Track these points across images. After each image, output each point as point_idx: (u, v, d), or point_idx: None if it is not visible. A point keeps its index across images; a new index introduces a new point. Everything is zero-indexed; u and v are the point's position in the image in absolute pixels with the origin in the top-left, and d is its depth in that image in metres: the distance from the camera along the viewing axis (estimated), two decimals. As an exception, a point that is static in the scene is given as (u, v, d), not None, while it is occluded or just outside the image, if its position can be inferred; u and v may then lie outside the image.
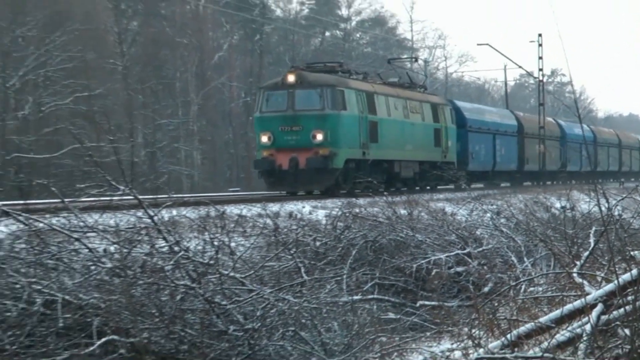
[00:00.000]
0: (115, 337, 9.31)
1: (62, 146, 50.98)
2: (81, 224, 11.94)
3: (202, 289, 10.68)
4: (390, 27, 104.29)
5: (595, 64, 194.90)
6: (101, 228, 12.08)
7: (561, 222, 18.11)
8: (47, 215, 12.23)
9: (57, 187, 13.25)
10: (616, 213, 15.44)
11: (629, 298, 9.34)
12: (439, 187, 47.47)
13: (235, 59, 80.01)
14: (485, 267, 15.62)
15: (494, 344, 9.76)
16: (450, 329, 12.33)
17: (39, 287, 9.75)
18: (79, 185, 12.86)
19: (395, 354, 11.21)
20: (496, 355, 9.04)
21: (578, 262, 12.55)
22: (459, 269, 15.66)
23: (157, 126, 64.69)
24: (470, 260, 15.83)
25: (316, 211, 23.36)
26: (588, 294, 10.17)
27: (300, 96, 36.25)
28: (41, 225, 11.68)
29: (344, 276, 13.65)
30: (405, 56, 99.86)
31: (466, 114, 51.53)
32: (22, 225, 11.93)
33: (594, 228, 14.04)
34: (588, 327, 9.20)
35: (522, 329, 9.98)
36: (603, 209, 12.32)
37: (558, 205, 24.91)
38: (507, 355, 8.92)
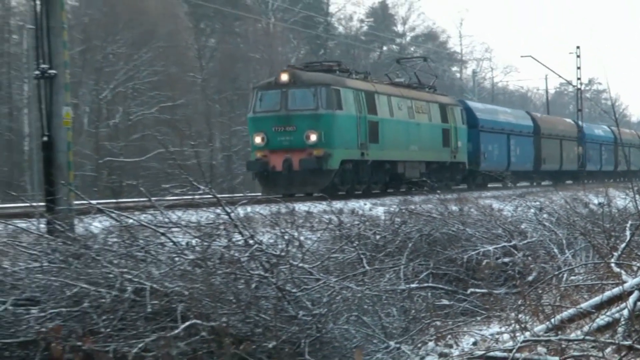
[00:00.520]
0: (197, 321, 9.32)
1: (149, 151, 51.44)
2: (166, 220, 11.99)
3: (274, 278, 10.67)
4: (441, 41, 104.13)
5: (630, 72, 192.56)
6: (184, 224, 12.12)
7: (599, 217, 17.97)
8: (136, 212, 12.28)
9: (145, 187, 13.38)
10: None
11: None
12: (454, 186, 42.83)
13: (302, 71, 79.94)
14: (529, 258, 15.47)
15: (539, 328, 9.69)
16: (498, 314, 12.24)
17: (130, 277, 9.79)
18: (164, 186, 12.93)
19: (449, 336, 11.15)
20: (541, 338, 8.96)
21: (615, 253, 12.39)
22: (506, 259, 15.52)
23: (233, 132, 65.04)
24: (515, 251, 15.69)
25: (376, 208, 23.35)
26: (625, 282, 10.07)
27: (294, 96, 33.13)
28: (131, 221, 11.74)
29: (402, 266, 13.58)
30: (455, 67, 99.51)
31: (478, 114, 48.21)
32: (114, 222, 12.02)
33: (629, 222, 13.88)
34: (625, 312, 9.12)
35: (565, 314, 9.90)
36: (638, 204, 12.23)
37: (596, 201, 24.62)
38: (552, 338, 8.83)
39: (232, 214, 11.94)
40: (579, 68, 67.36)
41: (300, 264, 11.57)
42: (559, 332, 9.42)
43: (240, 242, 11.51)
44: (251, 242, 11.49)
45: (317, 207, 21.10)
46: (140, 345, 8.96)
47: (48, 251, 11.00)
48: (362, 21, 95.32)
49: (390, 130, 36.68)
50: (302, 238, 13.57)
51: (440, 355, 10.20)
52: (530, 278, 14.15)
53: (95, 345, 8.96)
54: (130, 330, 9.25)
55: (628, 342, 8.38)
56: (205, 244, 11.21)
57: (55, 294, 9.67)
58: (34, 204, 14.83)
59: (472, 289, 13.91)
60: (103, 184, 52.82)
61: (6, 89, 57.94)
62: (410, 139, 38.58)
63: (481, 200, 24.63)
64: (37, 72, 15.66)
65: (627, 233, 12.95)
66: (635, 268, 11.61)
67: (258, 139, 32.79)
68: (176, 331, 9.18)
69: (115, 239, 11.51)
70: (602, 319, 9.44)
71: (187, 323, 9.30)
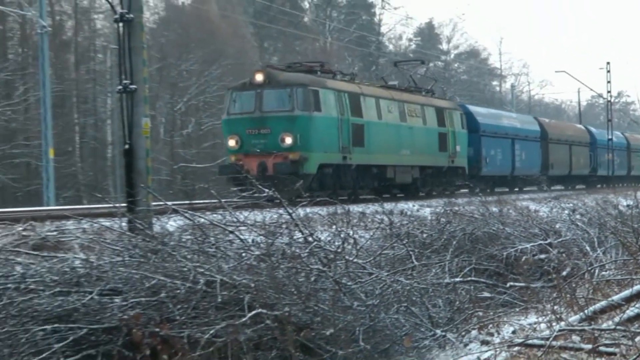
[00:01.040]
0: (262, 310, 9.33)
1: (218, 157, 51.55)
2: (234, 219, 12.04)
3: (332, 272, 10.68)
4: (482, 58, 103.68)
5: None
6: (250, 222, 12.17)
7: (628, 218, 17.85)
8: (207, 213, 12.36)
9: (215, 190, 13.39)
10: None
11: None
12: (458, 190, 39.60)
13: (356, 86, 79.88)
14: (563, 255, 15.37)
15: (573, 318, 9.62)
16: (535, 305, 12.17)
17: (202, 270, 9.83)
18: (232, 189, 12.93)
19: (490, 325, 11.10)
20: (576, 328, 8.89)
21: (643, 251, 12.32)
22: (542, 256, 15.42)
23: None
24: (551, 249, 15.58)
25: (423, 209, 23.25)
26: (652, 276, 9.99)
27: (269, 96, 28.46)
28: (202, 220, 11.80)
29: (447, 262, 13.53)
30: (495, 81, 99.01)
31: (479, 119, 43.37)
32: (187, 221, 12.08)
33: (657, 222, 13.81)
34: (653, 304, 9.04)
35: (597, 305, 9.84)
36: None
37: (625, 203, 24.41)
38: (585, 328, 8.77)
39: (294, 214, 11.97)
40: (609, 82, 66.72)
41: (355, 260, 11.59)
42: (592, 323, 9.36)
43: (300, 240, 11.54)
44: (310, 239, 11.51)
45: (370, 208, 21.09)
46: (211, 332, 8.99)
47: (129, 247, 11.06)
48: (410, 40, 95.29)
49: (378, 133, 32.15)
50: (356, 236, 13.59)
51: (483, 342, 10.15)
52: (564, 273, 14.06)
53: (171, 331, 9.01)
54: (202, 318, 9.28)
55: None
56: (269, 241, 11.24)
57: (136, 285, 9.73)
58: (117, 204, 14.95)
59: (511, 283, 13.84)
60: (177, 187, 53.17)
61: (92, 102, 58.48)
62: (401, 143, 33.94)
63: (519, 202, 24.48)
64: (119, 87, 15.77)
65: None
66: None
67: (232, 142, 28.39)
68: (243, 319, 9.20)
69: (188, 236, 11.57)
70: (632, 310, 9.38)
71: (253, 312, 9.31)
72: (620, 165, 62.92)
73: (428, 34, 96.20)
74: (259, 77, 28.50)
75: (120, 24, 15.55)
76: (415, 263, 12.85)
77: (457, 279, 13.00)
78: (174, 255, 10.46)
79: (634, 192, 25.24)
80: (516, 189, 45.83)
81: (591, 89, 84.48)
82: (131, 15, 15.40)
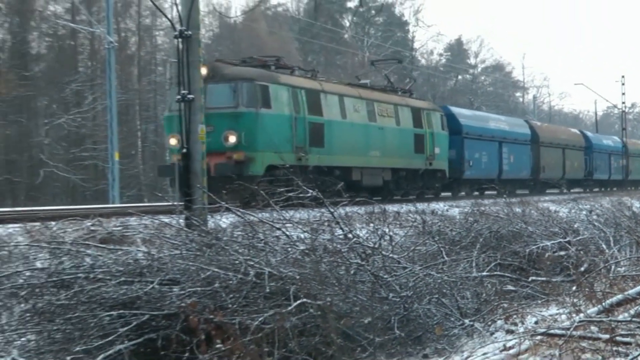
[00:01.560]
0: (306, 300, 9.32)
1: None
2: (281, 217, 12.05)
3: (369, 266, 10.66)
4: (507, 71, 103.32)
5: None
6: (295, 220, 12.17)
7: (641, 218, 17.74)
8: (257, 211, 12.37)
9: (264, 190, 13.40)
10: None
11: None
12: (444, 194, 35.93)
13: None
14: (581, 252, 15.21)
15: (591, 310, 9.54)
16: (556, 298, 12.07)
17: (252, 263, 9.83)
18: (279, 190, 12.95)
19: (515, 316, 11.03)
20: (594, 319, 8.80)
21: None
22: (561, 253, 15.27)
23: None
24: (569, 246, 15.43)
25: (452, 209, 23.14)
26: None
27: (212, 92, 23.44)
28: (252, 218, 11.82)
29: (474, 258, 13.44)
30: (518, 93, 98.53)
31: (462, 120, 38.81)
32: (239, 218, 12.11)
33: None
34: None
35: (614, 299, 9.77)
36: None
37: (638, 205, 24.18)
38: (603, 319, 8.67)
39: (335, 213, 11.96)
40: (623, 94, 66.46)
41: (391, 255, 11.57)
42: (609, 315, 9.28)
43: (340, 236, 11.53)
44: (350, 236, 11.50)
45: (404, 207, 21.03)
46: (260, 319, 8.97)
47: (186, 241, 11.10)
48: (440, 55, 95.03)
49: (341, 133, 27.43)
50: (391, 233, 13.58)
51: (507, 331, 10.07)
52: (582, 269, 13.92)
53: (224, 318, 9.00)
54: (252, 306, 9.28)
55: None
56: (313, 237, 11.24)
57: (192, 276, 9.75)
58: (175, 203, 15.04)
59: (533, 277, 13.71)
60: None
61: (152, 111, 58.83)
62: (369, 144, 29.08)
63: (540, 204, 24.28)
64: (178, 97, 15.86)
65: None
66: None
67: (173, 141, 23.33)
68: (289, 308, 9.19)
69: (239, 232, 11.60)
70: (645, 303, 9.30)
71: (298, 302, 9.30)
72: (617, 169, 58.91)
73: (457, 49, 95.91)
74: (203, 71, 23.58)
75: (180, 40, 15.64)
76: (446, 258, 12.79)
77: (484, 273, 12.93)
78: (227, 249, 10.48)
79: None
80: (505, 193, 40.52)
81: (607, 100, 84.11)
82: (189, 32, 15.49)
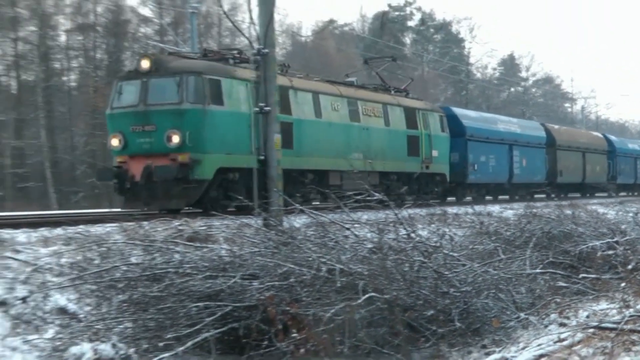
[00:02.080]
0: (374, 294, 9.31)
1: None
2: (349, 218, 12.04)
3: (431, 263, 10.60)
4: (556, 83, 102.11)
5: None
6: (363, 221, 12.15)
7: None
8: (328, 213, 12.40)
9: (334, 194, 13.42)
10: None
11: None
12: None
13: (448, 108, 79.53)
14: (629, 251, 14.95)
15: (640, 305, 9.40)
16: (605, 294, 11.87)
17: (324, 260, 9.86)
18: (348, 193, 12.94)
19: (567, 310, 10.87)
20: (643, 312, 8.67)
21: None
22: (610, 252, 15.04)
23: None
24: (617, 246, 15.18)
25: (506, 210, 22.91)
26: None
27: (155, 86, 19.28)
28: (324, 219, 11.84)
29: (527, 256, 13.30)
30: (567, 103, 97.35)
31: (465, 122, 33.75)
32: (311, 219, 12.14)
33: None
34: None
35: (661, 295, 9.57)
36: None
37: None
38: (652, 314, 8.52)
39: (399, 215, 11.92)
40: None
41: (451, 253, 11.49)
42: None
43: (404, 235, 11.48)
44: (413, 235, 11.44)
45: (460, 209, 20.91)
46: (332, 311, 8.98)
47: (264, 240, 11.17)
48: (494, 69, 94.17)
49: (315, 133, 22.80)
50: (451, 234, 13.51)
51: (561, 324, 9.93)
52: (630, 267, 13.68)
53: (299, 310, 9.04)
54: (324, 300, 9.29)
55: None
56: (379, 236, 11.20)
57: (270, 272, 9.80)
58: (254, 205, 15.11)
59: (583, 274, 13.51)
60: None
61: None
62: (351, 146, 24.26)
63: (589, 206, 23.92)
64: (257, 109, 15.94)
65: None
66: None
67: (115, 142, 19.43)
68: (358, 301, 9.19)
69: (312, 232, 11.63)
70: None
71: (367, 295, 9.29)
72: None
73: (510, 64, 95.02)
74: (145, 64, 19.33)
75: (257, 58, 15.74)
76: (502, 256, 12.68)
77: (537, 270, 12.78)
78: (301, 247, 10.51)
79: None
80: (516, 197, 36.94)
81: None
82: (266, 50, 15.57)
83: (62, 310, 9.94)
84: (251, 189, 18.42)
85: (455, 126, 31.88)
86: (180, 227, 12.91)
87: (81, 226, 14.53)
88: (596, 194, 42.51)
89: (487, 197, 34.91)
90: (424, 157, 28.02)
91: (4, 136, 45.04)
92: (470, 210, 18.98)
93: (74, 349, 8.78)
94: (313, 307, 9.10)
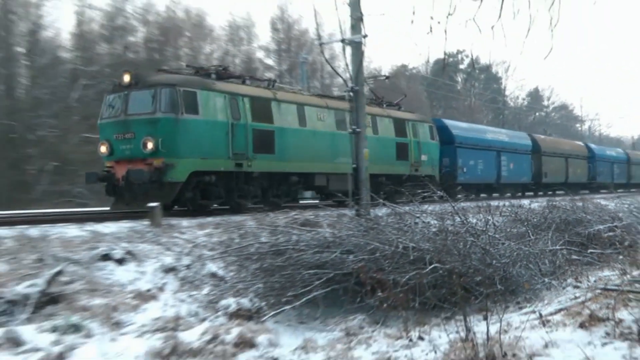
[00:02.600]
0: (437, 265, 9.25)
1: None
2: (419, 209, 11.97)
3: (479, 242, 10.45)
4: (570, 109, 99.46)
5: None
6: (429, 211, 12.06)
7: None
8: (402, 205, 12.34)
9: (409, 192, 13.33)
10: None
11: None
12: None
13: (490, 128, 78.14)
14: (625, 233, 14.52)
15: (635, 273, 9.10)
16: (607, 265, 11.54)
17: (401, 240, 9.83)
18: (418, 191, 12.82)
19: (580, 276, 10.61)
20: (637, 278, 8.40)
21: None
22: (610, 233, 14.61)
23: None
24: (616, 229, 14.75)
25: (533, 203, 22.34)
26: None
27: (134, 98, 16.92)
28: (399, 210, 11.80)
29: (549, 237, 12.98)
30: (577, 124, 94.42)
31: (454, 132, 30.09)
32: (390, 210, 12.10)
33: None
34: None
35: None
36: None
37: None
38: (644, 279, 8.27)
39: (456, 206, 11.79)
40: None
41: (493, 234, 11.32)
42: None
43: (459, 222, 11.36)
44: (465, 221, 11.31)
45: (500, 202, 20.46)
46: (406, 277, 8.96)
47: (357, 225, 11.18)
48: (523, 99, 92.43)
49: (300, 140, 19.50)
50: (494, 220, 13.29)
51: (575, 287, 9.71)
52: (625, 244, 13.28)
53: (382, 276, 9.03)
54: (401, 268, 9.26)
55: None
56: (440, 222, 11.12)
57: (361, 248, 9.80)
58: (349, 199, 15.13)
59: (591, 250, 13.16)
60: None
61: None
62: (338, 151, 20.61)
63: (595, 200, 23.13)
64: (350, 130, 15.97)
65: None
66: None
67: (103, 149, 17.08)
68: (425, 270, 9.13)
69: (391, 219, 11.59)
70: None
71: (432, 266, 9.23)
72: (619, 175, 49.66)
73: (535, 95, 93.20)
74: (127, 78, 17.17)
75: (351, 93, 15.76)
76: (531, 237, 12.42)
77: (557, 247, 12.47)
78: (384, 230, 10.49)
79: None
80: (507, 194, 33.24)
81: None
82: (357, 88, 15.57)
83: (214, 275, 10.13)
84: (230, 189, 16.96)
85: (446, 135, 28.94)
86: (295, 216, 13.01)
87: (225, 216, 14.78)
88: (600, 191, 40.78)
89: (483, 195, 31.48)
90: (413, 161, 24.94)
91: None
92: (507, 203, 18.54)
93: (223, 302, 8.95)
94: (392, 274, 9.09)
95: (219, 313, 8.63)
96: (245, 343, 7.39)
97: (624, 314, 6.73)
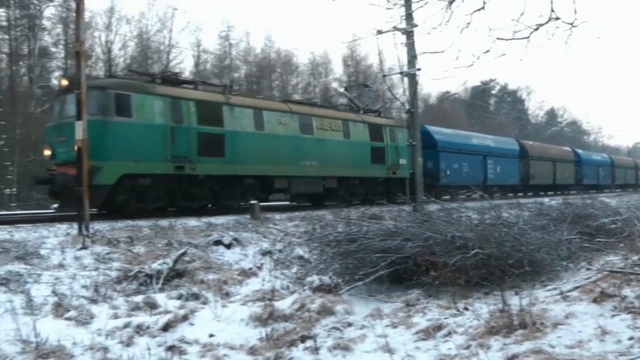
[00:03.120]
0: (478, 250, 9.06)
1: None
2: (463, 206, 11.76)
3: (511, 232, 10.19)
4: (579, 124, 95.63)
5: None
6: (470, 207, 11.84)
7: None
8: (450, 202, 12.14)
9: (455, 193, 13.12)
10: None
11: None
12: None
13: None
14: (625, 225, 13.81)
15: (634, 257, 8.70)
16: (612, 251, 11.04)
17: (449, 230, 9.67)
18: (462, 191, 12.58)
19: (591, 260, 10.19)
20: (637, 262, 8.03)
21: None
22: (613, 225, 13.90)
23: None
24: (617, 222, 14.04)
25: (551, 201, 21.59)
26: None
27: (68, 102, 13.37)
28: (447, 206, 11.62)
29: (565, 228, 12.47)
30: (585, 136, 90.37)
31: (437, 137, 26.03)
32: (440, 206, 11.93)
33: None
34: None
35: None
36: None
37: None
38: (646, 264, 7.89)
39: (492, 203, 11.52)
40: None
41: (522, 226, 11.01)
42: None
43: (495, 216, 11.08)
44: (499, 216, 11.04)
45: (525, 200, 19.88)
46: (453, 260, 8.82)
47: (414, 218, 11.06)
48: (542, 117, 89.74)
49: (255, 144, 15.97)
50: (523, 214, 12.93)
51: (587, 269, 9.33)
52: (625, 234, 12.65)
53: (434, 259, 8.93)
54: (449, 253, 9.11)
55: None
56: (480, 216, 10.89)
57: (417, 237, 9.66)
58: (406, 198, 14.97)
59: (598, 239, 12.57)
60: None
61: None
62: (302, 154, 17.35)
63: (600, 198, 22.11)
64: (407, 144, 15.80)
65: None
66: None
67: (47, 152, 13.89)
68: (469, 255, 8.96)
69: (441, 214, 11.41)
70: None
71: (474, 251, 9.03)
72: (604, 177, 45.43)
73: (551, 113, 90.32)
74: (64, 83, 13.69)
75: (408, 114, 15.63)
76: (552, 228, 11.99)
77: (572, 236, 12.00)
78: (435, 222, 10.35)
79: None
80: (496, 195, 28.17)
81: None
82: (412, 110, 15.43)
83: (301, 257, 10.25)
84: (171, 191, 14.07)
85: (429, 140, 25.35)
86: (365, 211, 12.99)
87: (309, 211, 14.88)
88: (603, 191, 38.72)
89: (474, 196, 28.65)
90: (390, 165, 20.86)
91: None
92: (532, 200, 17.96)
93: (308, 279, 9.01)
94: (443, 257, 8.95)
95: (305, 287, 8.68)
96: (326, 311, 7.49)
97: (627, 292, 6.58)
